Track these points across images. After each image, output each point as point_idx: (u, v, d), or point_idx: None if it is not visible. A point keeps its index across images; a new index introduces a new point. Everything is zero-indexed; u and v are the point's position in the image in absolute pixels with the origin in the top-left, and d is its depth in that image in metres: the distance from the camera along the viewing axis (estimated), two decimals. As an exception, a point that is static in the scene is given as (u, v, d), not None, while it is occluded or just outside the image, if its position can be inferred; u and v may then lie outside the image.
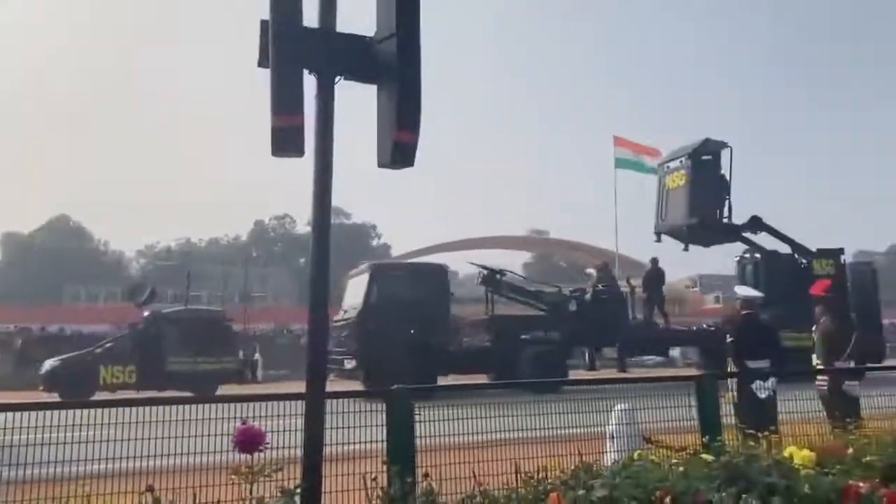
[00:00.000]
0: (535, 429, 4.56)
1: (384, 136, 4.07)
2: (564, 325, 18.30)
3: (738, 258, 20.96)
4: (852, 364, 8.02)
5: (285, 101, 3.87)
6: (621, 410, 5.49)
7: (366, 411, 4.26)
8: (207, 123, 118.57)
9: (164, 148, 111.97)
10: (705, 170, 19.88)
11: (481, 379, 16.79)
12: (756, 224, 19.79)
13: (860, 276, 20.14)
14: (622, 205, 46.18)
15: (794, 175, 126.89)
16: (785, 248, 20.16)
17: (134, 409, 3.96)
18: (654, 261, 20.95)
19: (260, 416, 3.86)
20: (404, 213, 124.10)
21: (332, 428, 3.85)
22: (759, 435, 4.65)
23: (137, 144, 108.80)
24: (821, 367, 8.20)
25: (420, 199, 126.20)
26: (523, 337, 17.82)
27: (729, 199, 19.91)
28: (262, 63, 4.05)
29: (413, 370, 13.56)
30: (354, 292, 17.29)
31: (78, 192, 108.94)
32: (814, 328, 8.70)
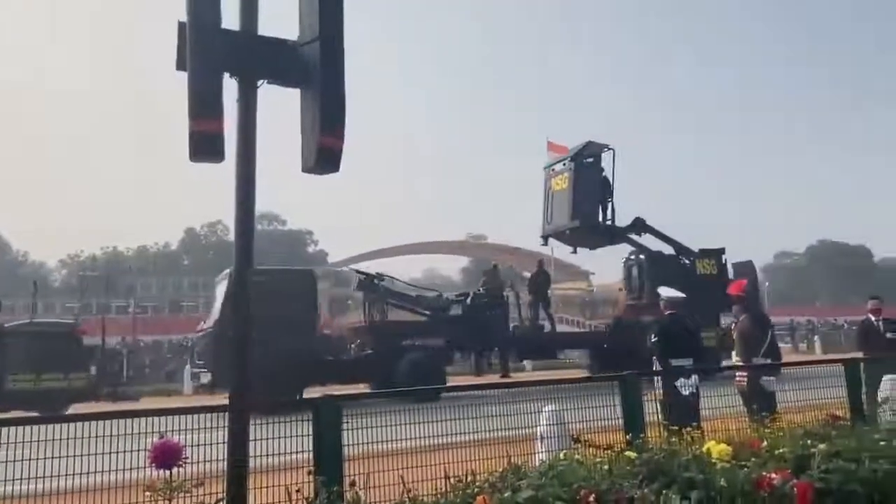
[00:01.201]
0: (466, 433, 4.56)
1: (308, 140, 4.02)
2: (444, 331, 18.09)
3: (624, 259, 21.49)
4: (768, 361, 8.32)
5: (204, 106, 3.78)
6: (550, 411, 5.56)
7: (292, 421, 4.18)
8: (130, 124, 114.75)
9: (85, 152, 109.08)
10: (587, 172, 20.09)
11: (361, 388, 16.25)
12: (639, 226, 20.20)
13: (742, 275, 19.84)
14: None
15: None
16: (669, 250, 20.70)
17: (42, 427, 3.77)
18: (540, 263, 21.25)
19: (178, 430, 3.75)
20: (342, 219, 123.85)
21: (256, 440, 3.77)
22: (684, 431, 4.76)
23: (56, 149, 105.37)
24: (740, 363, 8.49)
25: (359, 203, 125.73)
26: (404, 343, 17.42)
27: (612, 201, 20.14)
28: (180, 66, 3.94)
29: (274, 382, 12.17)
30: (216, 301, 16.69)
31: None
32: (732, 325, 9.01)
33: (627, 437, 4.56)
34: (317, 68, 3.95)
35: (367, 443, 4.24)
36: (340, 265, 55.30)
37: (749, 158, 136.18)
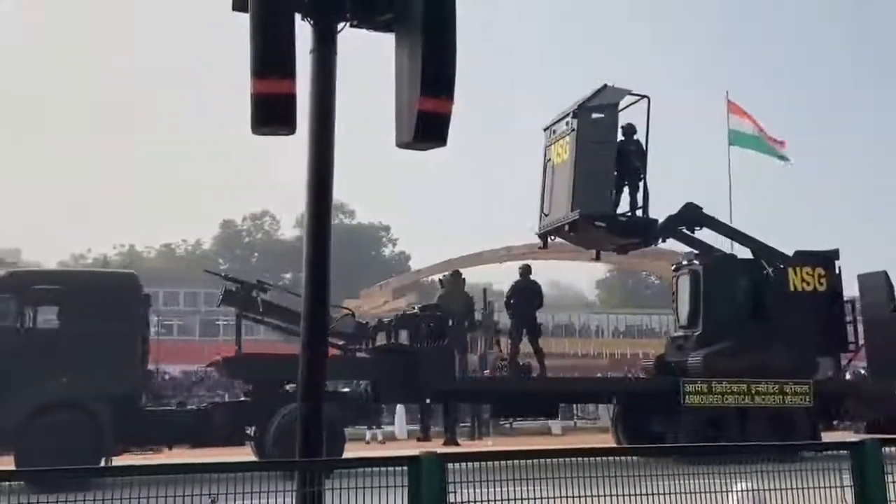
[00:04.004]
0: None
1: (405, 105, 3.05)
2: (351, 371, 12.02)
3: (674, 266, 14.12)
4: None
5: (272, 61, 2.85)
6: (745, 493, 4.08)
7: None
8: (154, 93, 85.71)
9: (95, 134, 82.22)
10: (597, 134, 12.39)
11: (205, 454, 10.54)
12: (690, 217, 12.94)
13: (875, 292, 13.22)
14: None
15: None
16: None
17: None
18: (525, 270, 13.28)
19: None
20: (428, 211, 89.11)
21: None
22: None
23: (55, 137, 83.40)
24: None
25: (449, 193, 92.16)
26: (287, 388, 10.69)
27: (644, 178, 12.63)
28: (238, 5, 2.99)
29: (64, 443, 8.96)
30: None
31: None
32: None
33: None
34: (419, 7, 2.95)
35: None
36: (425, 273, 42.45)
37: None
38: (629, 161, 12.47)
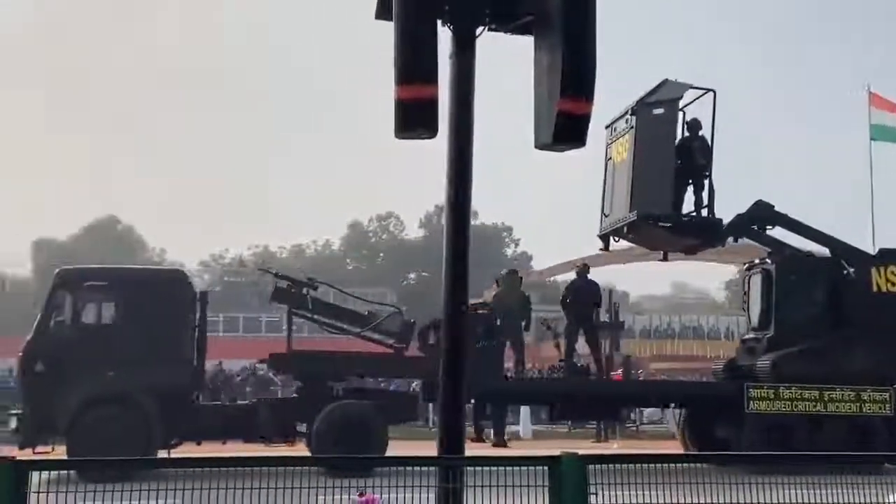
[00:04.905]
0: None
1: (544, 106, 3.06)
2: (402, 369, 12.31)
3: (745, 265, 13.66)
4: None
5: (416, 67, 2.91)
6: None
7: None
8: (289, 105, 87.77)
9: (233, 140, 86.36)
10: (657, 131, 12.05)
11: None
12: (760, 216, 12.33)
13: None
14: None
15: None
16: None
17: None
18: (582, 269, 13.37)
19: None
20: (548, 212, 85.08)
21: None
22: None
23: (202, 139, 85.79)
24: None
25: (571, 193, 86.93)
26: (335, 385, 11.54)
27: (709, 175, 12.16)
28: (382, 14, 3.08)
29: (113, 435, 9.33)
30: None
31: (129, 193, 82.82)
32: None
33: None
34: (559, 8, 2.96)
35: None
36: (547, 274, 43.05)
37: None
38: (693, 158, 11.98)
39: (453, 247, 3.18)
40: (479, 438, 12.92)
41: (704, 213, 12.09)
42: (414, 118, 2.97)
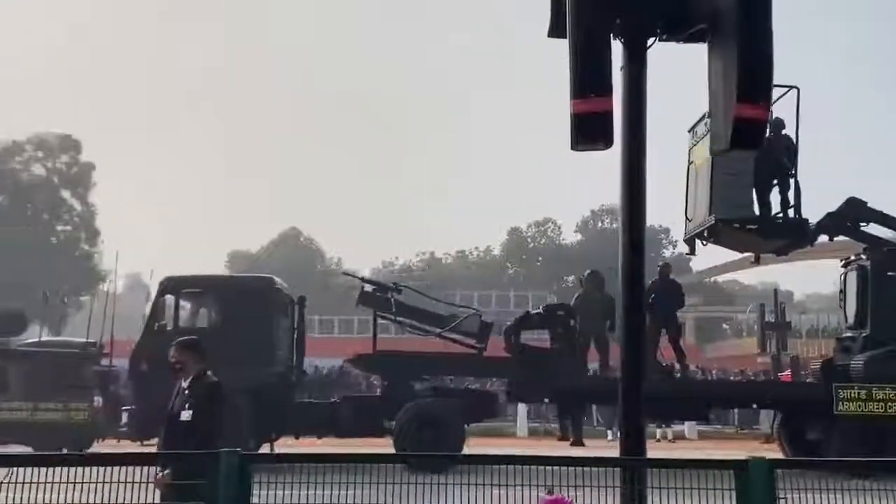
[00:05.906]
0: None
1: (720, 113, 3.09)
2: (471, 369, 12.89)
3: (843, 262, 13.10)
4: None
5: (591, 81, 3.02)
6: None
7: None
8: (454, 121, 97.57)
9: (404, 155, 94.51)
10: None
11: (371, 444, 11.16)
12: (852, 213, 12.03)
13: None
14: None
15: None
16: None
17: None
18: (665, 269, 13.47)
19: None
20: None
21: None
22: None
23: (374, 153, 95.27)
24: None
25: None
26: (417, 383, 12.12)
27: (794, 175, 11.67)
28: (554, 32, 3.21)
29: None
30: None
31: (308, 205, 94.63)
32: None
33: None
34: (734, 14, 2.97)
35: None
36: (706, 274, 43.50)
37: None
38: (778, 158, 11.53)
39: (629, 256, 3.25)
40: (564, 437, 13.45)
41: (791, 213, 11.69)
42: (590, 130, 3.07)
